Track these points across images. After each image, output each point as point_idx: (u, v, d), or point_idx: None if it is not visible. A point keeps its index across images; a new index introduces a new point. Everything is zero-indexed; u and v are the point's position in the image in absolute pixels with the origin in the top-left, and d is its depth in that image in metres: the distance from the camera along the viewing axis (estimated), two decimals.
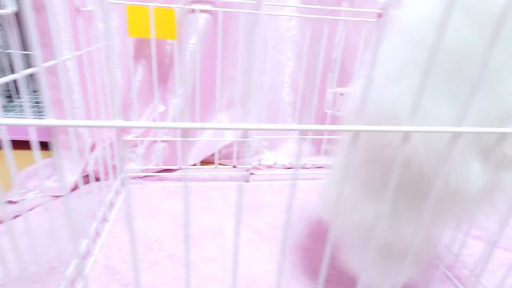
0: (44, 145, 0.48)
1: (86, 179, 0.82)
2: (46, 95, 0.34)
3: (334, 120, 0.94)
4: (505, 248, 0.72)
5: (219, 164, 0.96)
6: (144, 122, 0.26)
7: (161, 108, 0.85)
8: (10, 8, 0.36)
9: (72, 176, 0.79)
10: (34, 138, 0.40)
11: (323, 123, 0.92)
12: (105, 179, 0.79)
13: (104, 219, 0.73)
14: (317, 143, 1.03)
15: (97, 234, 0.68)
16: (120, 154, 0.79)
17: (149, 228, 0.72)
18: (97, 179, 0.74)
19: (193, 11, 0.74)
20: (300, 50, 0.93)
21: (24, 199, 0.77)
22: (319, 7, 0.78)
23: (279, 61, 0.97)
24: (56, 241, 0.65)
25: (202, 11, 0.74)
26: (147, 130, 0.86)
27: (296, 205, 0.85)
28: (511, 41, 0.33)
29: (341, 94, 0.88)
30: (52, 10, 0.60)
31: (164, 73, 0.83)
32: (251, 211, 0.80)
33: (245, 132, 0.94)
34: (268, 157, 1.01)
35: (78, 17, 0.54)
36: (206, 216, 0.78)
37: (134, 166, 0.87)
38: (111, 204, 0.78)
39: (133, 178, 0.88)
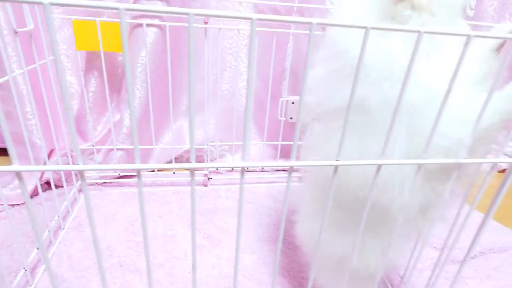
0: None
1: (43, 187, 0.84)
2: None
3: (287, 126, 0.98)
4: (436, 247, 0.77)
5: (176, 169, 0.99)
6: (214, 164, 0.30)
7: (117, 117, 0.87)
8: None
9: (29, 185, 0.81)
10: None
11: (278, 129, 0.96)
12: (62, 187, 0.82)
13: (59, 227, 0.76)
14: (275, 147, 1.06)
15: (50, 242, 0.71)
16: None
17: (103, 235, 0.75)
18: (56, 187, 0.77)
19: (140, 25, 0.76)
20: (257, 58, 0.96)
21: None
22: (268, 19, 0.81)
23: (236, 68, 1.00)
24: (7, 251, 0.68)
25: (149, 25, 0.76)
26: (104, 138, 0.88)
27: (250, 209, 0.89)
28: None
29: (293, 103, 0.92)
30: None
31: (117, 82, 0.85)
32: (204, 216, 0.84)
33: (205, 139, 0.97)
34: (228, 161, 1.04)
35: (17, 37, 0.56)
36: (160, 221, 0.81)
37: (92, 173, 0.89)
38: (67, 212, 0.80)
39: (92, 185, 0.90)
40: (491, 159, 0.39)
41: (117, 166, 0.32)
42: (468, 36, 0.30)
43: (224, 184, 0.99)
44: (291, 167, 0.35)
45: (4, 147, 0.53)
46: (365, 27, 0.29)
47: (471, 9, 0.97)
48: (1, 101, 0.71)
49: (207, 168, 0.35)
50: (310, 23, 0.29)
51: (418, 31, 0.29)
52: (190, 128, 0.30)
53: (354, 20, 0.40)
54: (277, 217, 0.87)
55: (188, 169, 0.33)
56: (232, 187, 0.97)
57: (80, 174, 0.31)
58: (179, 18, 0.77)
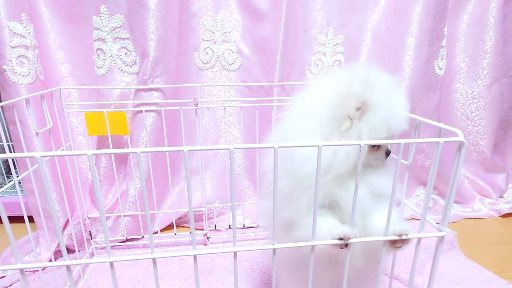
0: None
1: (58, 253, 0.95)
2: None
3: None
4: None
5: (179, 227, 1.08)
6: (212, 249, 0.41)
7: (123, 187, 0.99)
8: None
9: (47, 253, 0.92)
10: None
11: None
12: (79, 251, 0.93)
13: None
14: None
15: None
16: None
17: None
18: (73, 251, 0.90)
19: (141, 111, 0.90)
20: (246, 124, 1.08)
21: (5, 276, 0.89)
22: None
23: (230, 133, 1.11)
24: None
25: (147, 111, 0.90)
26: (113, 206, 0.99)
27: (244, 267, 0.95)
28: None
29: None
30: None
31: (123, 158, 0.98)
32: (202, 276, 0.90)
33: (202, 202, 1.06)
34: (228, 219, 1.12)
35: (38, 137, 0.69)
36: (161, 283, 0.88)
37: (103, 238, 0.99)
38: (79, 276, 0.89)
39: (102, 248, 1.00)
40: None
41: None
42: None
43: (223, 242, 1.06)
44: (274, 249, 0.43)
45: (20, 215, 0.68)
46: (317, 145, 0.39)
47: (440, 69, 1.05)
48: (24, 182, 0.85)
49: (207, 253, 0.44)
50: (273, 147, 0.38)
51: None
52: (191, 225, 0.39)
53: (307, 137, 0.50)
54: (269, 275, 0.92)
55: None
56: (231, 244, 1.03)
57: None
58: (173, 103, 0.93)
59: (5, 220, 0.38)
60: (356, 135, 0.48)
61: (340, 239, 0.44)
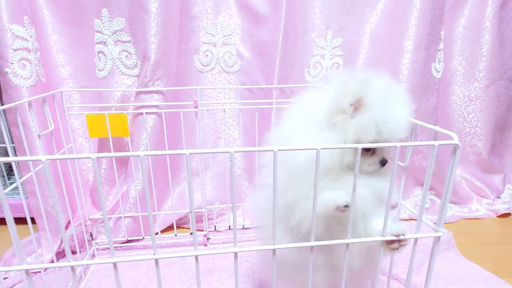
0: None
1: (61, 254, 0.96)
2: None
3: None
4: None
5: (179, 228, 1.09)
6: (213, 251, 0.42)
7: (124, 188, 1.00)
8: None
9: (49, 254, 0.92)
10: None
11: None
12: (80, 252, 0.94)
13: None
14: None
15: None
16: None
17: None
18: (74, 253, 0.90)
19: (141, 113, 0.91)
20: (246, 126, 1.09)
21: (7, 277, 0.90)
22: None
23: (230, 135, 1.12)
24: None
25: (148, 113, 0.91)
26: (114, 207, 1.00)
27: (244, 267, 0.96)
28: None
29: None
30: None
31: (124, 160, 0.99)
32: (202, 277, 0.91)
33: (202, 203, 1.06)
34: (227, 220, 1.12)
35: (40, 139, 0.70)
36: (162, 283, 0.89)
37: (103, 239, 1.00)
38: (81, 277, 0.90)
39: (103, 249, 1.01)
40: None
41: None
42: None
43: (223, 242, 1.06)
44: (274, 250, 0.44)
45: (20, 216, 0.67)
46: (315, 148, 0.40)
47: (437, 71, 1.07)
48: (26, 184, 0.86)
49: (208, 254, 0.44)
50: (272, 150, 0.39)
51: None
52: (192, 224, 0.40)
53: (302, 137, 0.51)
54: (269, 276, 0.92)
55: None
56: (231, 245, 1.04)
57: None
58: (173, 105, 0.94)
59: (11, 222, 0.39)
60: (343, 130, 0.48)
61: (346, 206, 0.45)
